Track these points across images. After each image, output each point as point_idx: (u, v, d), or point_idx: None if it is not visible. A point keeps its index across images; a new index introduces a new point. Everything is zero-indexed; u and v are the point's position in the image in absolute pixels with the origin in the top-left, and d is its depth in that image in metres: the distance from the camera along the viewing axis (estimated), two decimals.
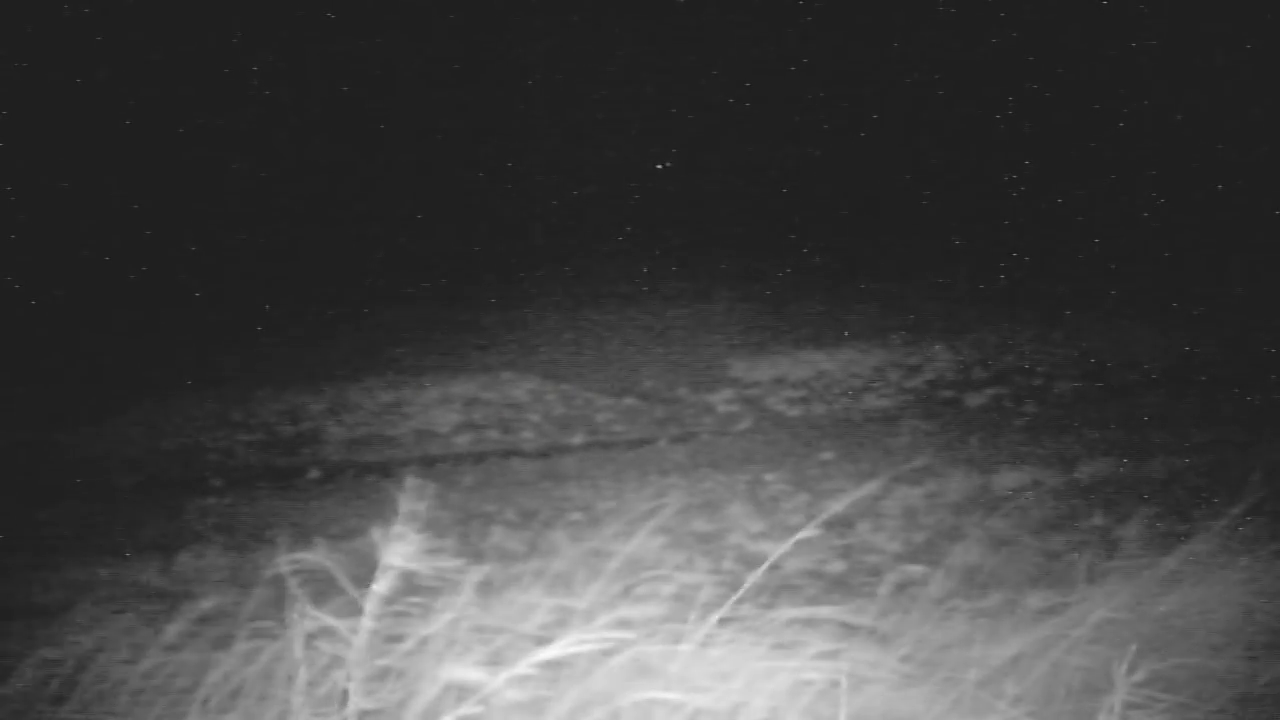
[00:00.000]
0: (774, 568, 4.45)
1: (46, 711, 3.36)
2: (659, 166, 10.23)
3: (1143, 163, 9.93)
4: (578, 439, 6.49)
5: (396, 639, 2.98)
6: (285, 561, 3.11)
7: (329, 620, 2.90)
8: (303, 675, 2.91)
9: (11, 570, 4.97)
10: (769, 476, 5.80)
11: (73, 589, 4.81)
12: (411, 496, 2.89)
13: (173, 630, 3.66)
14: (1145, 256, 9.25)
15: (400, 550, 2.84)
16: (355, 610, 2.89)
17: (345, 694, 2.86)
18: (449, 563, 2.90)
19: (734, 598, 3.40)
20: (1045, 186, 10.03)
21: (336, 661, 2.91)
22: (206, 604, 4.40)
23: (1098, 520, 5.08)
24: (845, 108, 10.66)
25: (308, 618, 2.91)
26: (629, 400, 6.99)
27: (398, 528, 2.87)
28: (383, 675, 2.94)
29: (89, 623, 4.29)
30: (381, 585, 2.84)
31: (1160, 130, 10.00)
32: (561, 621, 3.21)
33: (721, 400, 6.96)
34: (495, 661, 2.95)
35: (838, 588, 4.34)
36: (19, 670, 3.56)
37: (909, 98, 10.65)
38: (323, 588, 3.03)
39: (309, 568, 3.10)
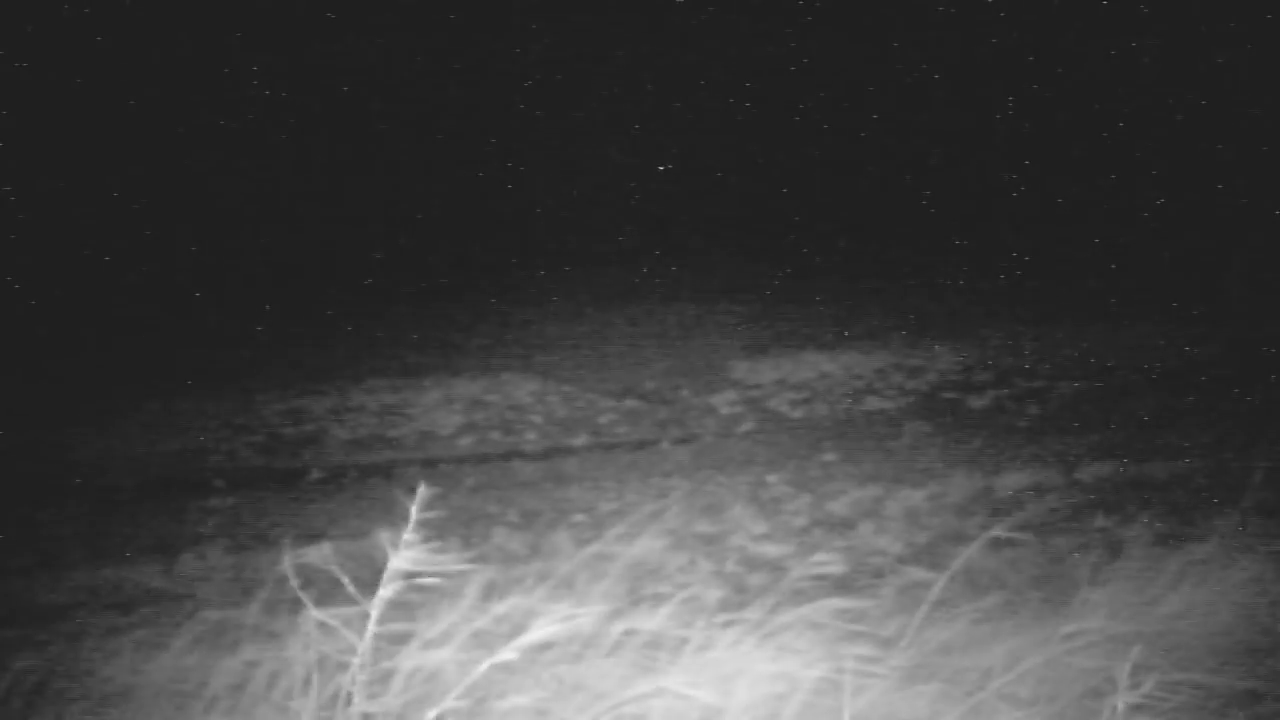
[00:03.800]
0: (776, 569, 4.46)
1: (52, 714, 3.36)
2: (659, 167, 10.24)
3: (1143, 163, 9.96)
4: (580, 440, 6.48)
5: (401, 641, 2.98)
6: (290, 564, 3.11)
7: (333, 622, 2.90)
8: (305, 678, 2.91)
9: (13, 572, 4.95)
10: (771, 478, 5.79)
11: (74, 591, 4.80)
12: (422, 504, 2.89)
13: (176, 632, 3.65)
14: (1145, 256, 9.27)
15: (408, 556, 2.84)
16: (361, 613, 2.89)
17: (350, 696, 2.87)
18: (452, 565, 2.90)
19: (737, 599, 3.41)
20: (1045, 186, 10.06)
21: (341, 664, 2.91)
22: (210, 606, 4.41)
23: (1100, 521, 5.07)
24: (845, 108, 10.68)
25: (312, 620, 2.91)
26: (631, 402, 6.99)
27: (407, 534, 2.87)
28: (386, 678, 2.94)
29: (92, 625, 4.29)
30: (388, 590, 2.85)
31: (1160, 130, 10.02)
32: (565, 625, 3.20)
33: (724, 402, 6.96)
34: (491, 658, 2.95)
35: (840, 589, 4.34)
36: (22, 672, 3.55)
37: (909, 98, 10.67)
38: (327, 590, 3.02)
39: (314, 569, 3.10)
